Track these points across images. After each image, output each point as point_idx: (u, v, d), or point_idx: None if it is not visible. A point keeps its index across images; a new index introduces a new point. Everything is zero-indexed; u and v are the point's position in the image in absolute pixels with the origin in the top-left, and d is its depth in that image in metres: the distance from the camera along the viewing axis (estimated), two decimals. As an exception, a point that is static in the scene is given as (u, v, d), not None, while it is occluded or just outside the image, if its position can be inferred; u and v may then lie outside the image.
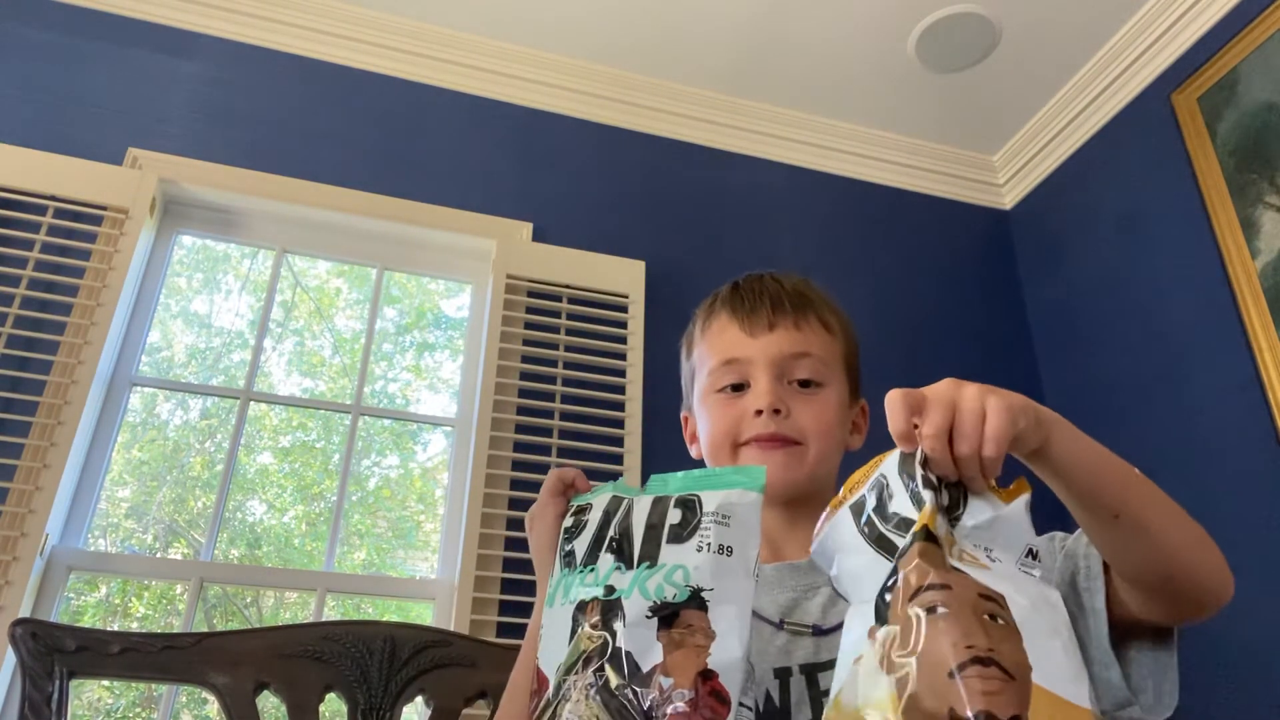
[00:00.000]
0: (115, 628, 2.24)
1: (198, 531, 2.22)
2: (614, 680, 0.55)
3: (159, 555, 2.25)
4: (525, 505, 1.94)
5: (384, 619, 1.99)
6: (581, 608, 0.61)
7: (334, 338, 2.53)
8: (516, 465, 1.96)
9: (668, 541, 0.61)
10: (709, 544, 0.59)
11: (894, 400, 0.59)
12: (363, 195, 2.16)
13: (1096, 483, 0.64)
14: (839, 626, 0.77)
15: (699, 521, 0.60)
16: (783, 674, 0.78)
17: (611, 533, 0.64)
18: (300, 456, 2.60)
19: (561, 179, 2.38)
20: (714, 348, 0.94)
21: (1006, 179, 2.77)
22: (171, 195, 2.07)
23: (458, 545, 1.89)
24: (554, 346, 2.11)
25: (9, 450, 1.69)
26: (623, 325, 2.18)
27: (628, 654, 0.56)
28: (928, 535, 0.55)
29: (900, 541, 0.57)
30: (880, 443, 0.66)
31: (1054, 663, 0.51)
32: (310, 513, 2.53)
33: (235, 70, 2.24)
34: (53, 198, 1.90)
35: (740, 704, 0.55)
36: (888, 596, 0.55)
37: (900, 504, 0.59)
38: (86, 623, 2.21)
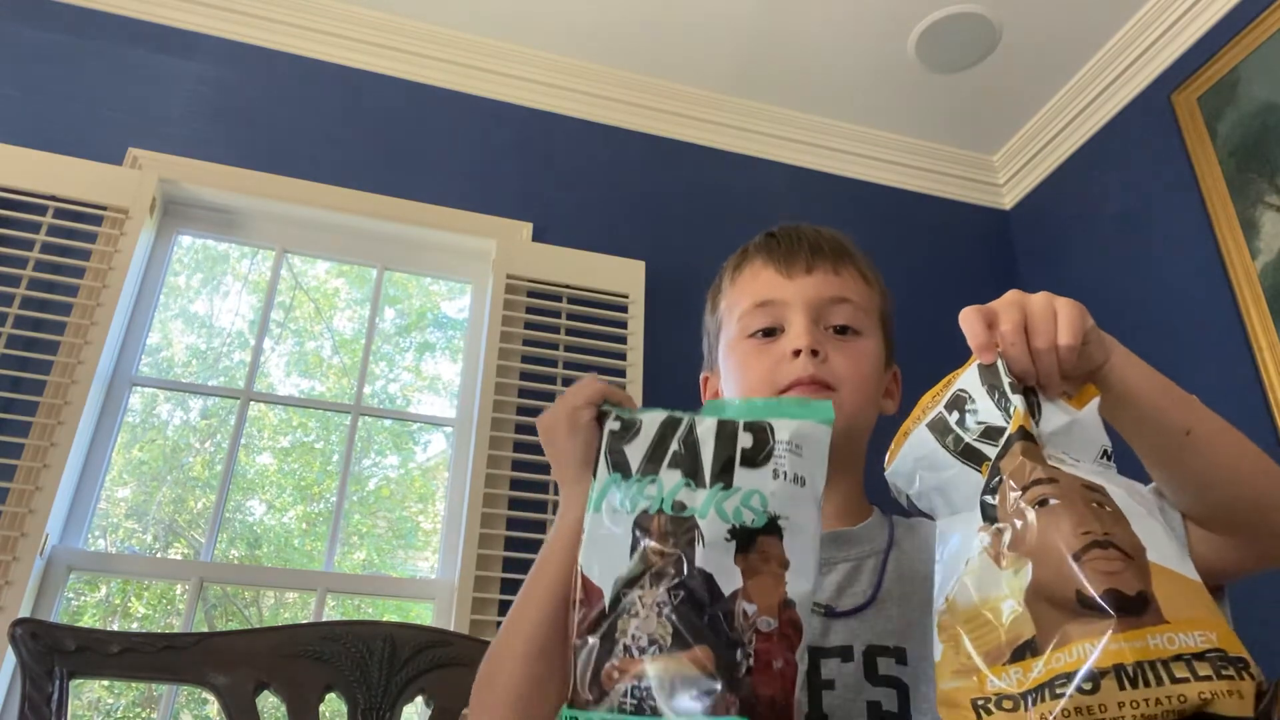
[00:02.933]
0: (115, 628, 2.24)
1: (198, 531, 2.22)
2: (692, 601, 0.53)
3: (159, 555, 2.25)
4: (525, 505, 1.94)
5: (384, 619, 1.99)
6: (644, 519, 0.57)
7: (334, 338, 2.53)
8: (516, 465, 1.96)
9: (741, 465, 0.58)
10: (784, 472, 0.57)
11: (967, 314, 0.60)
12: (363, 195, 2.16)
13: (1164, 400, 0.63)
14: (853, 611, 0.77)
15: (773, 448, 0.58)
16: None
17: (675, 448, 0.60)
18: (300, 456, 2.59)
19: (561, 179, 2.38)
20: (746, 291, 0.89)
21: (1006, 179, 2.77)
22: (171, 195, 2.07)
23: (458, 545, 1.89)
24: (554, 346, 2.11)
25: (9, 450, 1.69)
26: (623, 325, 2.18)
27: (709, 575, 0.54)
28: (1025, 435, 0.57)
29: (989, 450, 0.58)
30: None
31: (1161, 542, 0.52)
32: (310, 513, 2.53)
33: (235, 70, 2.24)
34: (53, 198, 1.90)
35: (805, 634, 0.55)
36: (991, 498, 0.56)
37: (986, 413, 0.60)
38: (86, 623, 2.21)
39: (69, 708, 0.84)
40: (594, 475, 0.62)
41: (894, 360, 0.93)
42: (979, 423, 0.60)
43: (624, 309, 2.19)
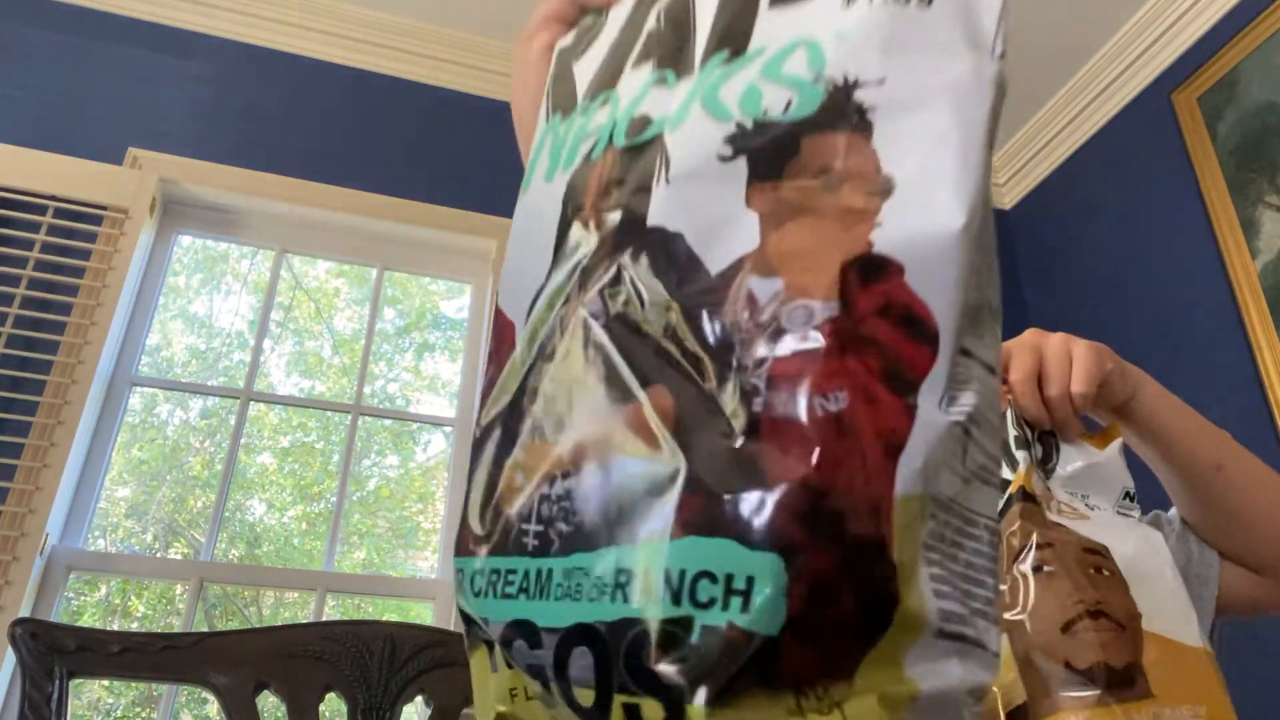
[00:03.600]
0: (115, 627, 2.24)
1: (198, 531, 2.22)
2: (642, 295, 0.26)
3: (159, 555, 2.25)
4: (525, 505, 1.94)
5: (384, 619, 1.99)
6: (582, 173, 0.31)
7: (333, 338, 2.53)
8: (516, 465, 1.95)
9: (771, 5, 0.29)
10: None
11: None
12: (363, 195, 2.16)
13: (1194, 434, 0.61)
14: None
15: None
16: None
17: (650, 25, 0.33)
18: (300, 457, 2.59)
19: (561, 179, 2.38)
20: None
21: (1006, 179, 2.77)
22: (171, 195, 2.07)
23: (458, 545, 1.88)
24: (554, 346, 2.11)
25: (9, 450, 1.69)
26: (623, 325, 2.18)
27: (671, 238, 0.26)
28: (1025, 496, 0.55)
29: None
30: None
31: (1161, 606, 0.51)
32: (310, 513, 2.53)
33: (235, 70, 2.24)
34: (53, 198, 1.90)
35: (963, 350, 0.23)
36: None
37: None
38: (86, 622, 2.21)
39: (69, 708, 0.84)
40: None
41: None
42: None
43: (624, 309, 2.19)
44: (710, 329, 0.24)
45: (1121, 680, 0.47)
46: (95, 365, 1.78)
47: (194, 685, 0.90)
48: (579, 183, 0.31)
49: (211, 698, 0.90)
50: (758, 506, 0.20)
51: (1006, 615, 0.52)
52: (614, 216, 0.28)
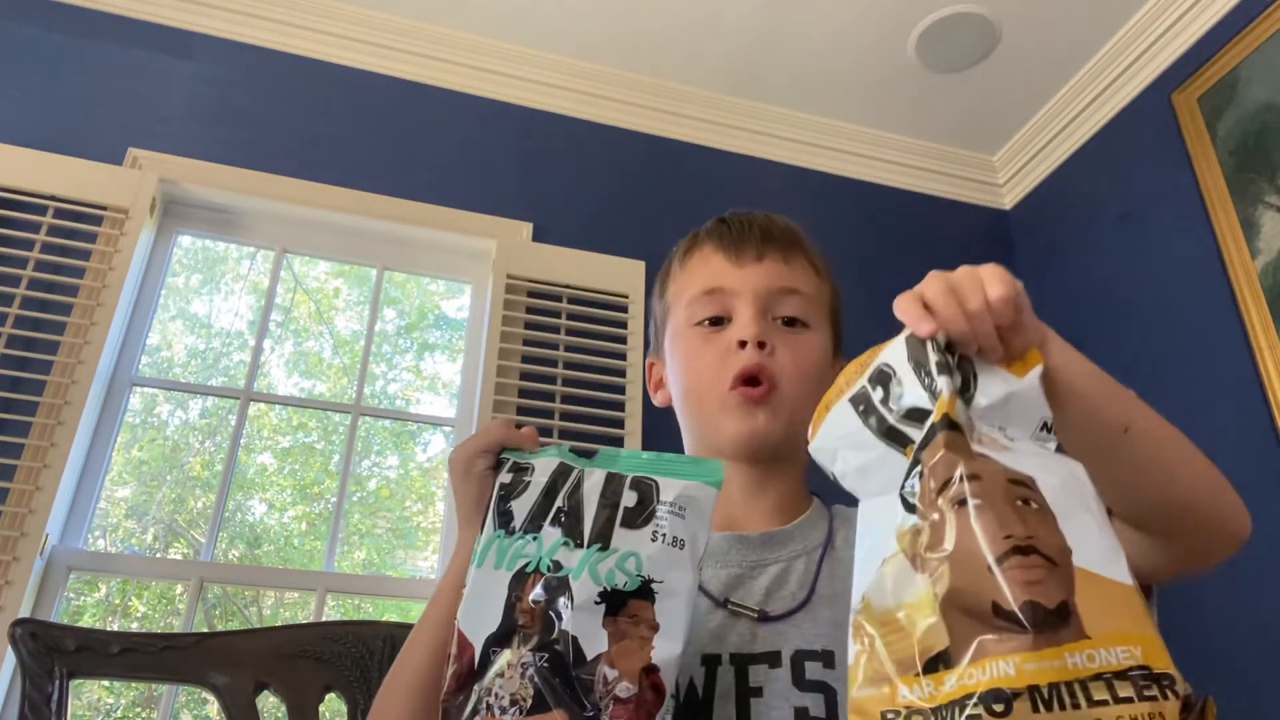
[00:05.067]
0: (115, 628, 2.24)
1: (198, 531, 2.22)
2: (556, 664, 0.53)
3: (159, 555, 2.25)
4: (525, 505, 1.94)
5: (384, 619, 1.99)
6: (520, 578, 0.57)
7: (334, 338, 2.53)
8: (516, 465, 1.95)
9: (621, 525, 0.58)
10: (664, 534, 0.58)
11: (900, 298, 0.57)
12: (363, 195, 2.16)
13: (1102, 393, 0.60)
14: (784, 615, 0.75)
15: (654, 509, 0.59)
16: (710, 661, 0.72)
17: (559, 503, 0.60)
18: (300, 457, 2.59)
19: (561, 179, 2.38)
20: (695, 278, 0.87)
21: (1006, 179, 2.77)
22: (171, 195, 2.07)
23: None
24: (554, 346, 2.11)
25: (9, 450, 1.69)
26: (623, 325, 2.18)
27: (573, 639, 0.54)
28: (950, 424, 0.52)
29: (915, 433, 0.54)
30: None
31: (1090, 541, 0.48)
32: (310, 513, 2.53)
33: (235, 70, 2.24)
34: (53, 198, 1.90)
35: (671, 695, 0.54)
36: (911, 492, 0.53)
37: (912, 394, 0.55)
38: (86, 622, 2.21)
39: (69, 708, 0.84)
40: (481, 528, 0.62)
41: (840, 354, 0.90)
42: (906, 404, 0.55)
43: (624, 309, 2.19)
44: (587, 687, 0.52)
45: (1054, 621, 0.44)
46: (95, 365, 1.78)
47: (194, 685, 0.90)
48: (517, 583, 0.57)
49: (211, 698, 0.90)
50: None
51: (929, 554, 0.49)
52: (547, 617, 0.55)
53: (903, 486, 0.53)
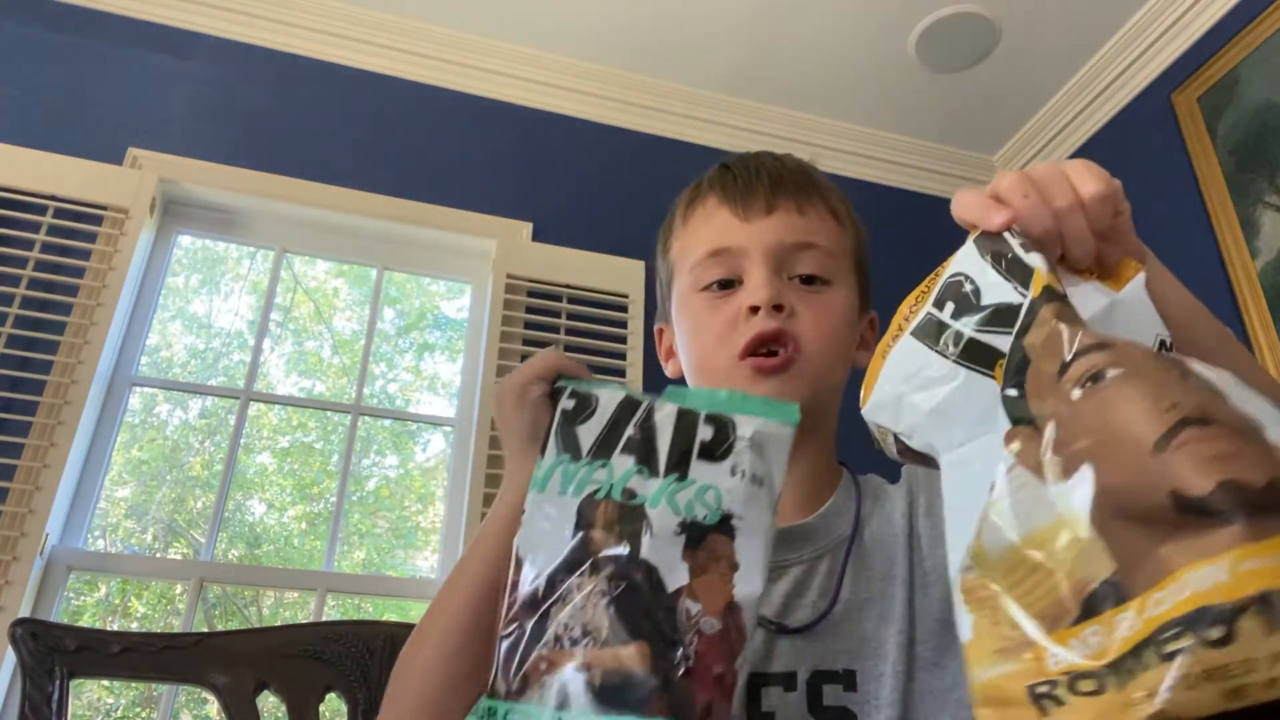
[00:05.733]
0: (115, 627, 2.24)
1: (197, 531, 2.22)
2: (634, 594, 0.50)
3: (159, 555, 2.25)
4: (525, 505, 1.94)
5: (384, 619, 1.99)
6: (590, 503, 0.54)
7: (333, 338, 2.53)
8: (516, 465, 1.96)
9: (699, 457, 0.55)
10: (743, 470, 0.54)
11: (962, 194, 0.49)
12: (363, 195, 2.16)
13: (1197, 323, 0.53)
14: (803, 629, 0.67)
15: (733, 444, 0.55)
16: None
17: (630, 432, 0.57)
18: (300, 457, 2.59)
19: (561, 179, 2.38)
20: (699, 237, 0.77)
21: (1006, 179, 2.77)
22: (171, 195, 2.07)
23: (457, 545, 1.89)
24: (554, 346, 2.11)
25: (9, 450, 1.69)
26: (623, 325, 2.18)
27: (652, 569, 0.51)
28: (1054, 295, 0.42)
29: (1002, 340, 0.43)
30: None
31: (1273, 417, 0.35)
32: (310, 512, 2.53)
33: (235, 70, 2.24)
34: (53, 198, 1.90)
35: (749, 639, 0.52)
36: (1017, 391, 0.41)
37: (996, 292, 0.44)
38: (86, 622, 2.21)
39: (69, 708, 0.84)
40: (541, 454, 0.58)
41: (870, 306, 0.81)
42: (987, 305, 0.44)
43: (624, 309, 2.19)
44: (670, 621, 0.49)
45: (1269, 501, 0.31)
46: (95, 365, 1.78)
47: (194, 685, 0.90)
48: (587, 510, 0.54)
49: (211, 698, 0.90)
50: (687, 709, 0.47)
51: (1059, 454, 0.37)
52: (622, 546, 0.52)
53: (1004, 390, 0.42)
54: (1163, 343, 0.45)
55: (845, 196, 0.80)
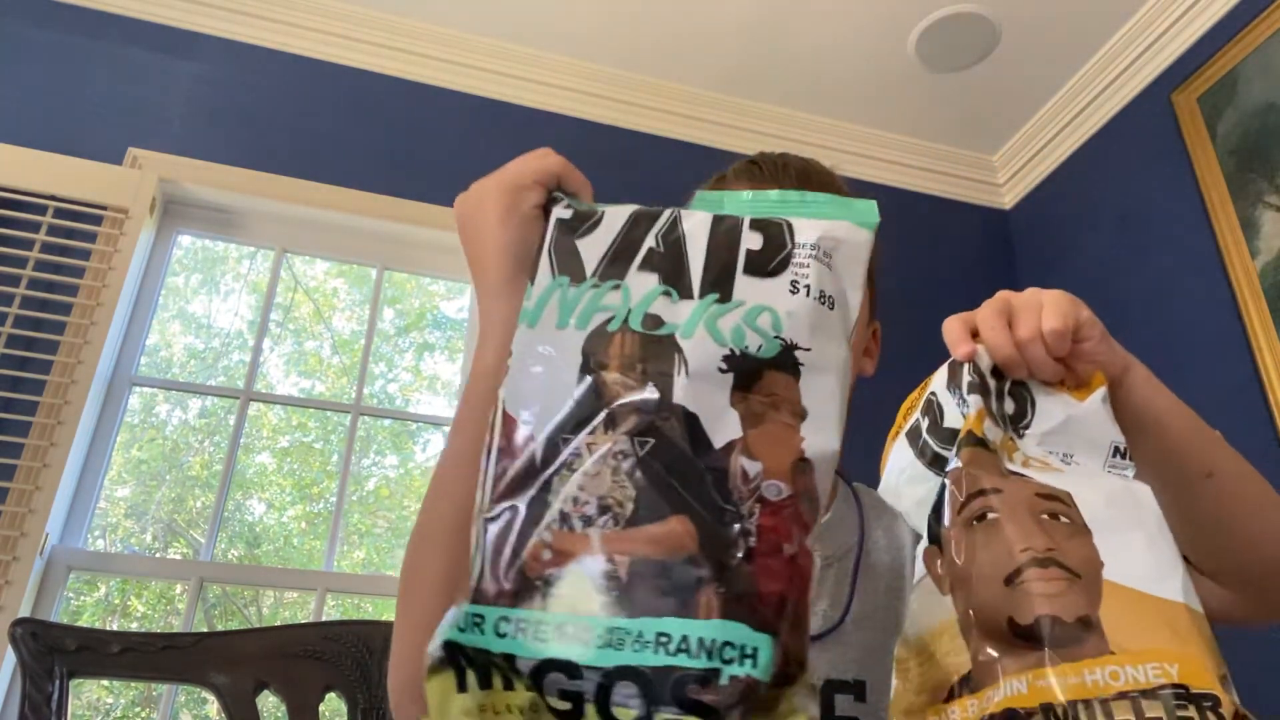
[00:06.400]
0: (115, 627, 2.24)
1: (197, 531, 2.22)
2: (668, 452, 0.37)
3: (158, 555, 2.25)
4: (525, 505, 1.94)
5: (384, 619, 1.99)
6: (600, 337, 0.41)
7: (333, 338, 2.53)
8: (516, 465, 1.95)
9: (746, 272, 0.42)
10: (808, 286, 0.42)
11: (949, 320, 0.54)
12: (363, 195, 2.16)
13: (1186, 436, 0.56)
14: (816, 638, 0.67)
15: (791, 253, 0.43)
16: None
17: (650, 244, 0.44)
18: (300, 457, 2.59)
19: (561, 179, 2.38)
20: None
21: (1006, 179, 2.77)
22: (171, 195, 2.07)
23: (458, 545, 1.88)
24: (554, 346, 2.11)
25: (9, 450, 1.69)
26: (623, 325, 2.18)
27: (692, 417, 0.38)
28: (974, 440, 0.50)
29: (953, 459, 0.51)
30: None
31: (1134, 558, 0.44)
32: (310, 512, 2.53)
33: (235, 70, 2.24)
34: (53, 198, 1.90)
35: (825, 509, 0.41)
36: (935, 515, 0.50)
37: (952, 417, 0.53)
38: (86, 622, 2.21)
39: (69, 708, 0.84)
40: (531, 281, 0.45)
41: (876, 316, 0.84)
42: (946, 428, 0.53)
43: (624, 309, 2.19)
44: (721, 486, 0.37)
45: (1070, 637, 0.41)
46: (95, 365, 1.78)
47: (194, 685, 0.90)
48: (598, 345, 0.41)
49: (211, 698, 0.90)
50: (756, 607, 0.34)
51: (950, 574, 0.47)
52: (648, 390, 0.39)
53: (930, 512, 0.51)
54: (1116, 449, 0.52)
55: None
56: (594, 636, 0.34)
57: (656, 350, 0.40)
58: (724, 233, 0.44)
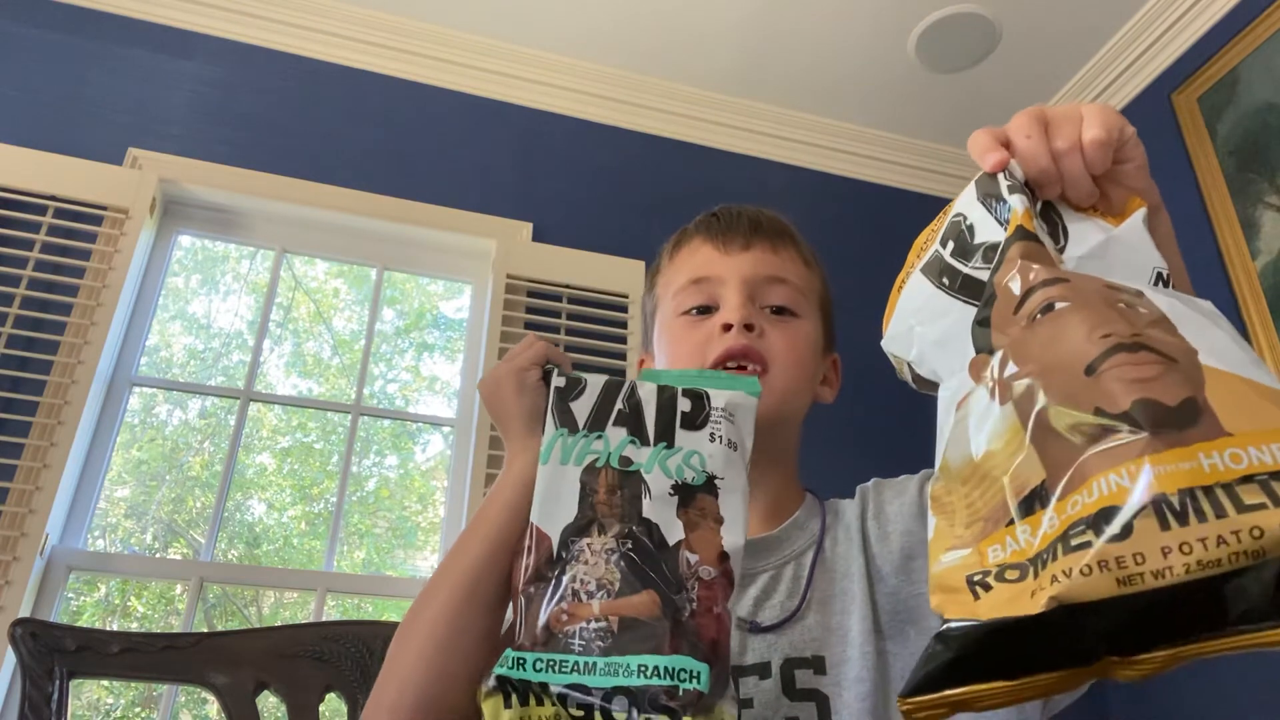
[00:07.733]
0: (115, 628, 2.24)
1: (197, 531, 2.23)
2: (641, 549, 0.56)
3: (158, 555, 2.25)
4: (525, 505, 1.94)
5: (384, 619, 1.99)
6: (591, 472, 0.60)
7: (333, 338, 2.53)
8: (516, 465, 1.96)
9: (681, 427, 0.62)
10: (720, 436, 0.61)
11: (977, 132, 0.51)
12: (363, 195, 2.16)
13: (1181, 268, 0.54)
14: (774, 626, 0.73)
15: (709, 413, 0.62)
16: None
17: (620, 406, 0.63)
18: (300, 457, 2.59)
19: (561, 179, 2.38)
20: (682, 268, 0.86)
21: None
22: (171, 195, 2.07)
23: (458, 545, 1.89)
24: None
25: (9, 450, 1.69)
26: (623, 325, 2.18)
27: (654, 526, 0.57)
28: (1024, 234, 0.45)
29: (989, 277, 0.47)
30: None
31: (1223, 347, 0.39)
32: (310, 513, 2.53)
33: (235, 70, 2.24)
34: (53, 198, 1.90)
35: (736, 584, 0.58)
36: (984, 324, 0.45)
37: (986, 231, 0.48)
38: (86, 622, 2.21)
39: (69, 708, 0.84)
40: (542, 431, 0.64)
41: (833, 348, 0.89)
42: (979, 244, 0.48)
43: (624, 309, 2.19)
44: (672, 571, 0.55)
45: (1178, 419, 0.35)
46: (95, 365, 1.78)
47: (194, 685, 0.90)
48: (589, 478, 0.60)
49: (211, 698, 0.90)
50: (698, 646, 0.52)
51: (1012, 378, 0.41)
52: (625, 507, 0.58)
53: (974, 322, 0.46)
54: (1160, 275, 0.48)
55: (815, 249, 0.91)
56: (598, 668, 0.52)
57: (629, 481, 0.60)
58: (666, 399, 0.63)
